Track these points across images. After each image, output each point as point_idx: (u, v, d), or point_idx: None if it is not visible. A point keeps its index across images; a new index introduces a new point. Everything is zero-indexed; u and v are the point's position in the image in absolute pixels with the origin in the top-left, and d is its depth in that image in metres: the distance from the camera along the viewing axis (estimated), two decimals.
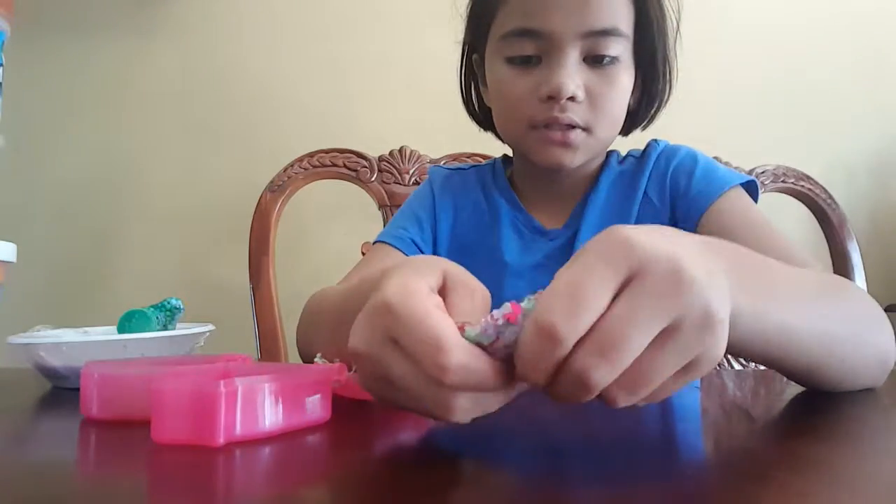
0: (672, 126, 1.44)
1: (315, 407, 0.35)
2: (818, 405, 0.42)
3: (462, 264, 0.35)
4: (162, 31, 1.37)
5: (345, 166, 1.04)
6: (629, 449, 0.32)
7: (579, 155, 0.64)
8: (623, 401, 0.28)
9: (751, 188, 0.67)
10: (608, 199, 0.69)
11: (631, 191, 0.69)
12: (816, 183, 1.06)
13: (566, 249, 0.67)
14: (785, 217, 1.20)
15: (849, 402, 0.42)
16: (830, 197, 1.05)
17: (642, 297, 0.27)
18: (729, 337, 0.29)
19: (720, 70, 1.38)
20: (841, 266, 1.02)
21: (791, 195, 1.08)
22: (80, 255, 1.34)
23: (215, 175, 1.34)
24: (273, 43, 1.38)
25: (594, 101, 0.62)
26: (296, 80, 1.37)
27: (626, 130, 0.72)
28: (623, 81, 0.64)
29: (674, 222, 0.67)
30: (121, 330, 0.61)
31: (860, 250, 1.02)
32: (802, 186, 1.06)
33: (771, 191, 1.07)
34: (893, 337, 0.45)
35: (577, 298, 0.26)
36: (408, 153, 1.08)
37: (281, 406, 0.33)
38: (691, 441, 0.36)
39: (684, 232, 0.32)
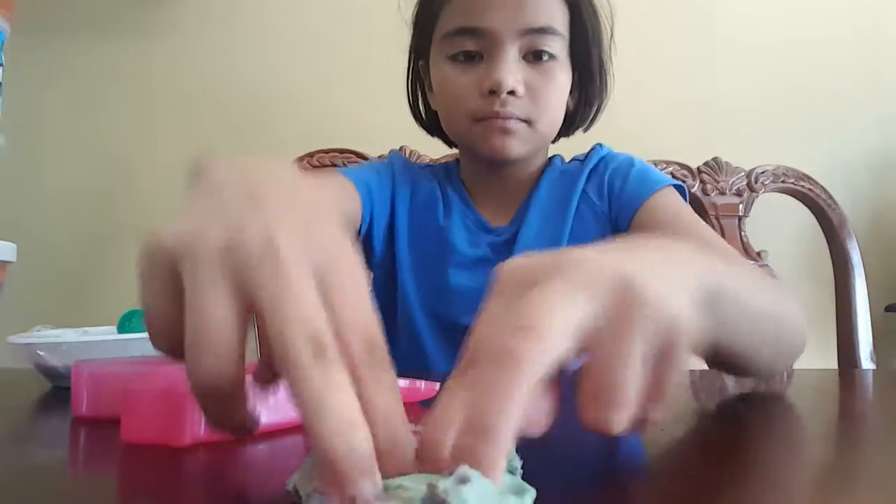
0: (672, 126, 1.43)
1: (286, 407, 0.34)
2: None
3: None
4: (162, 31, 1.37)
5: (344, 166, 1.04)
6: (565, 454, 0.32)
7: (520, 144, 0.67)
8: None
9: (681, 192, 0.71)
10: (549, 196, 0.72)
11: (571, 188, 0.72)
12: (816, 183, 1.06)
13: (510, 244, 0.71)
14: (785, 217, 1.20)
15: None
16: (830, 197, 1.05)
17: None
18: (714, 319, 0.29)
19: (720, 70, 1.38)
20: (841, 266, 1.02)
21: (791, 195, 1.08)
22: (80, 255, 1.34)
23: None
24: (273, 43, 1.38)
25: (534, 95, 0.65)
26: (296, 80, 1.37)
27: (566, 131, 0.75)
28: (561, 78, 0.68)
29: (613, 220, 0.71)
30: (121, 330, 0.61)
31: (860, 250, 1.02)
32: (802, 186, 1.06)
33: (771, 191, 1.07)
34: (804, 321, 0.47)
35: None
36: (408, 153, 1.08)
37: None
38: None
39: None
